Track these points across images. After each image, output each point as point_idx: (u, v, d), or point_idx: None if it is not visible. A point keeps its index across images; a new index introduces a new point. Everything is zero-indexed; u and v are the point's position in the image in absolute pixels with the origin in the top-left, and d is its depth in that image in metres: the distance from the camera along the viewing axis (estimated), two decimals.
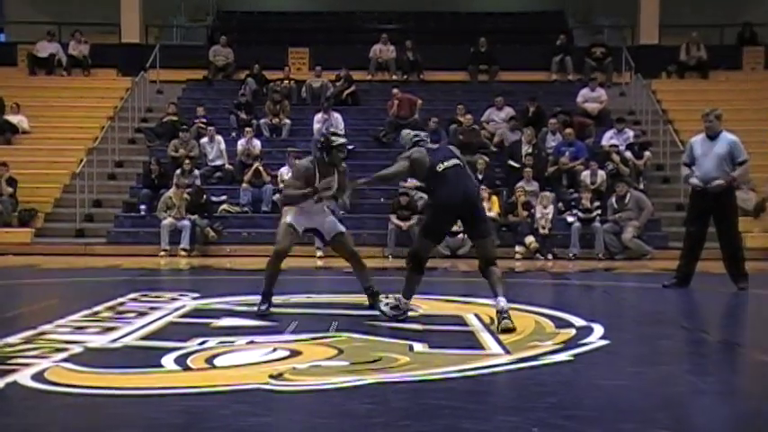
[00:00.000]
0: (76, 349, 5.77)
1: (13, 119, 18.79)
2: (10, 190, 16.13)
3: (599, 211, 15.29)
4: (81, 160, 17.41)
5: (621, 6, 23.32)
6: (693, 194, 9.99)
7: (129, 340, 6.24)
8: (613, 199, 15.38)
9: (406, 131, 7.40)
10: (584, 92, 19.32)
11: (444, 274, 12.80)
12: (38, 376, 4.94)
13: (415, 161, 6.87)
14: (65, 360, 5.40)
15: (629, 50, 21.04)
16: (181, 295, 8.79)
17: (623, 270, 13.50)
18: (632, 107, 19.99)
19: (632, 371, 5.45)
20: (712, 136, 9.76)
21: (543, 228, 15.03)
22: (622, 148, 17.08)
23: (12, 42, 23.79)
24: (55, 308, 8.09)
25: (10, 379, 4.86)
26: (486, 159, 16.63)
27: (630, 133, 17.63)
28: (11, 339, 6.06)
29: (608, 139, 17.45)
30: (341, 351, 5.75)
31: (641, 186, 16.50)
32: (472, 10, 25.69)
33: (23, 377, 4.91)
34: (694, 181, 9.77)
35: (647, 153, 17.15)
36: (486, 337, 6.37)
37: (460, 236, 14.90)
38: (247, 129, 17.62)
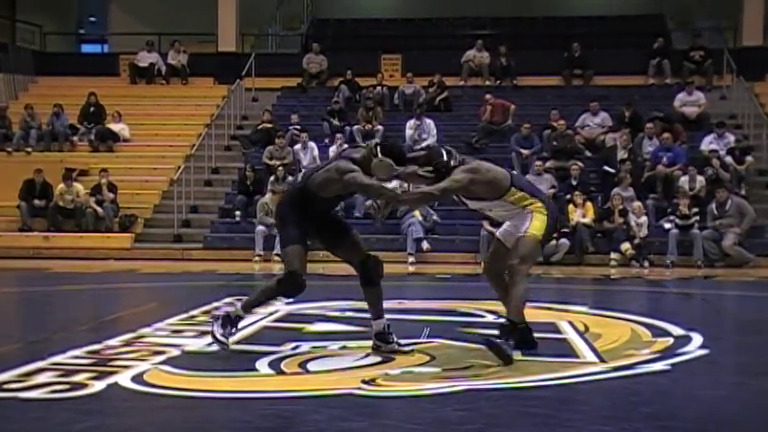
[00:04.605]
0: (174, 352, 5.90)
1: (115, 127, 19.31)
2: (111, 196, 16.56)
3: (697, 218, 14.91)
4: (179, 167, 17.81)
5: (723, 8, 22.69)
6: None
7: None
8: (713, 205, 14.98)
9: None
10: (682, 96, 18.88)
11: (537, 281, 12.66)
12: (137, 378, 5.08)
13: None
14: (163, 363, 5.53)
15: (730, 53, 20.46)
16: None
17: (724, 278, 13.13)
18: (733, 111, 19.43)
19: (733, 382, 5.30)
20: None
21: (637, 237, 14.71)
22: (723, 152, 16.64)
23: (114, 53, 24.55)
24: (153, 311, 8.29)
25: (111, 380, 5.00)
26: (581, 165, 16.41)
27: (731, 137, 17.14)
28: (112, 342, 6.23)
29: (707, 143, 17.01)
30: (433, 357, 5.74)
31: (743, 192, 16.04)
32: (567, 14, 25.39)
33: (124, 379, 5.05)
34: None
35: (748, 158, 16.64)
36: (580, 345, 6.28)
37: (554, 242, 14.76)
38: (338, 135, 17.74)
